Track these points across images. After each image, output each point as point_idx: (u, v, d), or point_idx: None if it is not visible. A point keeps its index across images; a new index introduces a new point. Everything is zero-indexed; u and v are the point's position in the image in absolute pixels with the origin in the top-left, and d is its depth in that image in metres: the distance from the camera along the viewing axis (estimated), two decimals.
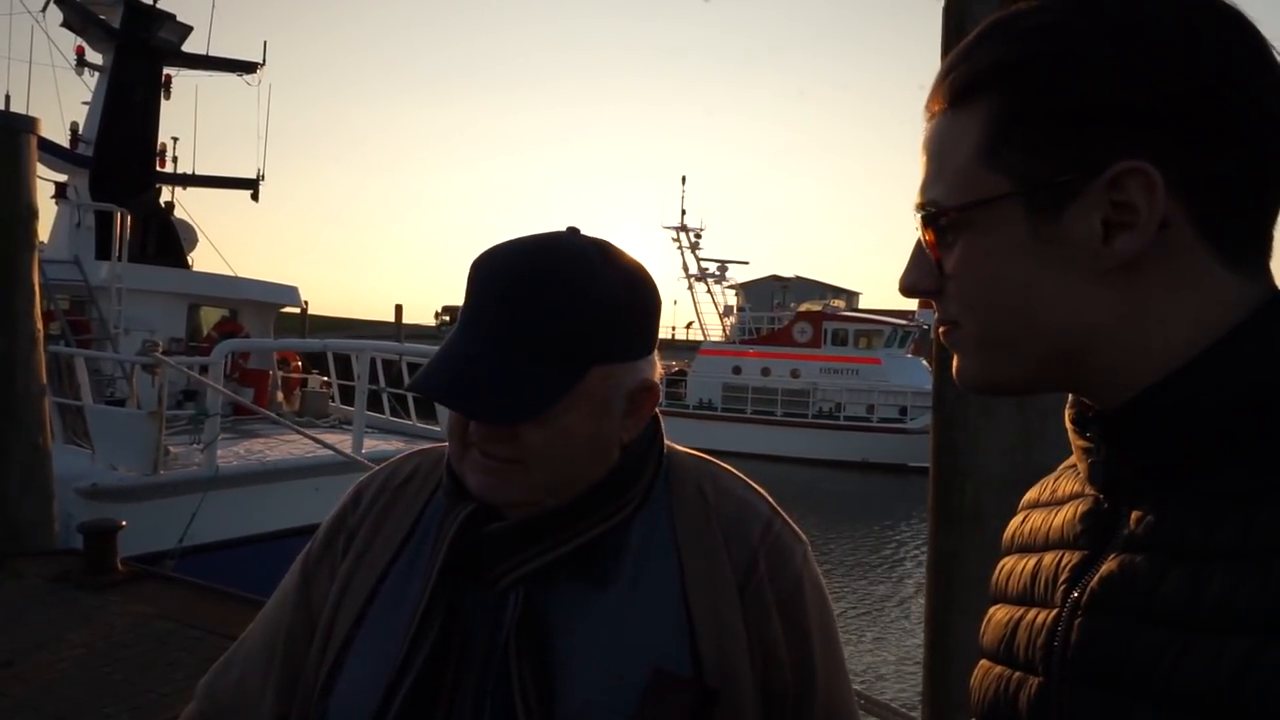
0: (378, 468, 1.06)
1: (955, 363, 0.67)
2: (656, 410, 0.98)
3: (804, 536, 0.98)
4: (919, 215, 0.64)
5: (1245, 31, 0.57)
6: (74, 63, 13.33)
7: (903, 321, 29.30)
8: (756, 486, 1.00)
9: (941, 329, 0.67)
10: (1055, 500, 0.69)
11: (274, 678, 0.97)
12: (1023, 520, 0.72)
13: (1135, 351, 0.58)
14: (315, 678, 0.93)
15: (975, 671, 0.69)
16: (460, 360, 0.87)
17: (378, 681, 0.86)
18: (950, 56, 0.64)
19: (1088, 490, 0.64)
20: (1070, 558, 0.62)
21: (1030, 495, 0.75)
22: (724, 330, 32.00)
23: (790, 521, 0.98)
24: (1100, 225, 0.57)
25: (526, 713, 0.82)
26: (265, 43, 14.35)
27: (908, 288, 0.67)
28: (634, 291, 0.91)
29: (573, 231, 0.92)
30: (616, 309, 0.88)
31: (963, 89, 0.62)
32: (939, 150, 0.64)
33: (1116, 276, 0.58)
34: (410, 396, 10.20)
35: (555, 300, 0.86)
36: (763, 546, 0.93)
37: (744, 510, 0.96)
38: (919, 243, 0.66)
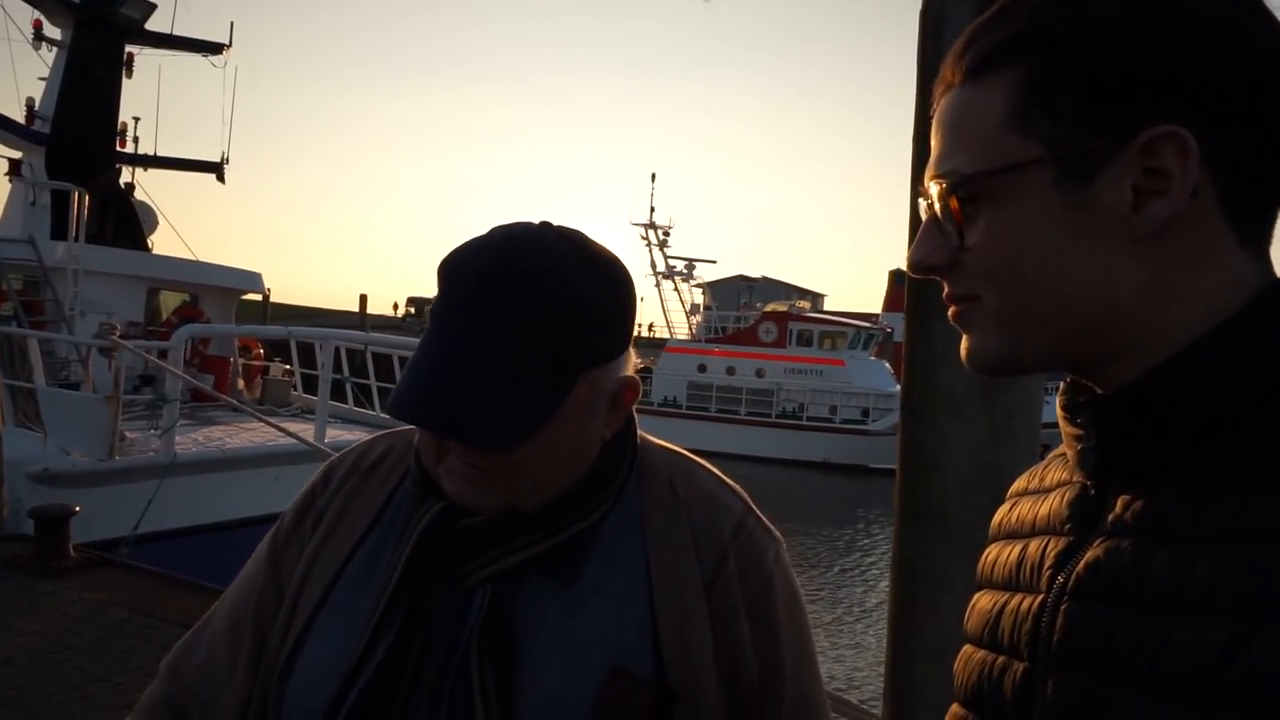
0: (349, 448, 1.04)
1: (966, 343, 0.65)
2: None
3: (778, 535, 0.97)
4: (937, 186, 0.63)
5: (1265, 12, 0.58)
6: (31, 37, 12.98)
7: (867, 324, 29.65)
8: (730, 482, 0.99)
9: (953, 308, 0.65)
10: (1043, 488, 0.69)
11: (242, 655, 0.95)
12: (1010, 508, 0.72)
13: (1153, 327, 0.58)
14: (277, 658, 0.91)
15: (958, 657, 0.69)
16: (442, 377, 0.82)
17: (336, 669, 0.85)
18: (969, 30, 0.64)
19: (1076, 477, 0.64)
20: (1056, 544, 0.62)
21: (1018, 484, 0.75)
22: (690, 328, 32.11)
23: (764, 519, 0.96)
24: (1131, 192, 0.57)
25: (486, 711, 0.81)
26: (232, 24, 14.07)
27: (918, 262, 0.65)
28: (614, 288, 0.88)
29: (545, 226, 0.88)
30: (600, 310, 0.85)
31: (986, 59, 0.62)
32: (959, 120, 0.63)
33: (1145, 246, 0.58)
34: (374, 385, 10.11)
35: (538, 305, 0.82)
36: (734, 545, 0.92)
37: (715, 507, 0.94)
38: (929, 219, 0.64)
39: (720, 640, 0.88)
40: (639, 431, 0.98)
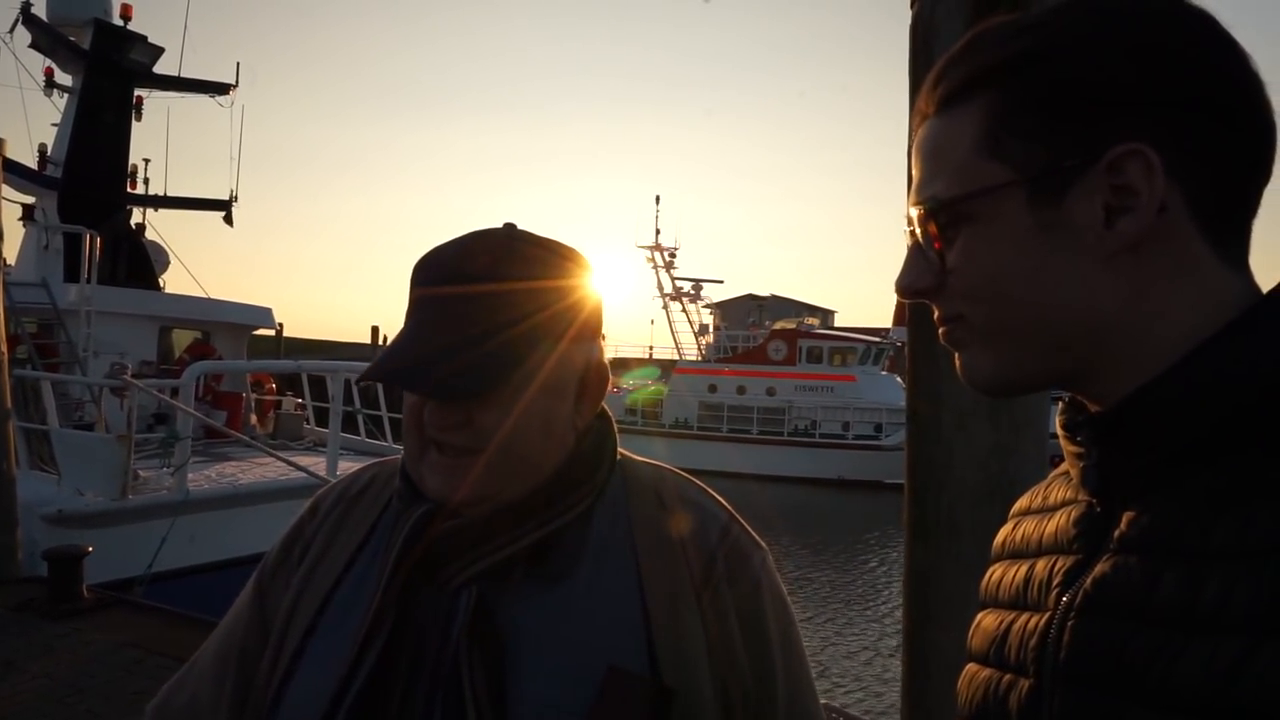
0: (337, 480, 1.05)
1: (960, 361, 0.66)
2: (607, 408, 0.99)
3: (762, 544, 0.98)
4: (918, 212, 0.65)
5: (1217, 28, 0.60)
6: (43, 84, 13.21)
7: (877, 339, 29.55)
8: (713, 493, 1.01)
9: (943, 329, 0.67)
10: (1047, 507, 0.69)
11: (226, 693, 0.95)
12: (1014, 528, 0.72)
13: (1138, 340, 0.59)
14: (266, 690, 0.90)
15: (962, 675, 0.69)
16: (410, 345, 0.87)
17: (327, 687, 0.84)
18: (940, 63, 0.66)
19: (1080, 496, 0.64)
20: (1064, 562, 0.62)
21: (1021, 503, 0.74)
22: (699, 349, 32.09)
23: (748, 528, 0.98)
24: (1102, 210, 0.58)
25: (478, 714, 0.81)
26: (238, 64, 14.33)
27: (905, 288, 0.66)
28: (576, 269, 0.93)
29: (509, 227, 0.93)
30: (559, 289, 0.90)
31: (958, 89, 0.64)
32: (935, 149, 0.65)
33: (1120, 261, 0.59)
34: (386, 416, 10.14)
35: (497, 278, 0.87)
36: (720, 549, 0.93)
37: (701, 515, 0.96)
38: (913, 245, 0.66)
39: (713, 643, 0.88)
40: (620, 449, 0.99)
